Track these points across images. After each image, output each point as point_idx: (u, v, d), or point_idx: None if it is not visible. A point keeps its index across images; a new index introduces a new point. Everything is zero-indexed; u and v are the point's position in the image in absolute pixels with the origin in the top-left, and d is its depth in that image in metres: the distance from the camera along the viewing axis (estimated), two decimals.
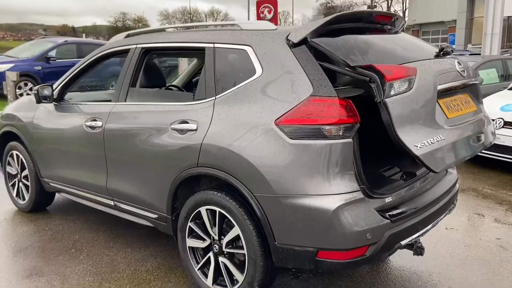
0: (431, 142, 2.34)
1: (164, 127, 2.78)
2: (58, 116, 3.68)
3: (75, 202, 3.77)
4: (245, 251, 2.45)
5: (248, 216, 2.41)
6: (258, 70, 2.48)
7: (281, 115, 2.29)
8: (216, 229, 2.60)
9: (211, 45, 2.75)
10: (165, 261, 3.26)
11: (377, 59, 2.46)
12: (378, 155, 2.89)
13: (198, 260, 2.76)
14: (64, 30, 65.27)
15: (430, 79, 2.48)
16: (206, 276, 2.71)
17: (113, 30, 59.26)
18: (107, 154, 3.19)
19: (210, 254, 2.66)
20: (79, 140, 3.43)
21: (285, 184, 2.25)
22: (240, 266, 2.54)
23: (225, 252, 2.59)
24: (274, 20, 12.90)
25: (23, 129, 3.95)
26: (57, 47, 12.29)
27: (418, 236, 2.52)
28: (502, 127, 5.55)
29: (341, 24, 2.55)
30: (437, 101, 2.52)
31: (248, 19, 20.77)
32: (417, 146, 2.25)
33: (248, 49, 2.56)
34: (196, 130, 2.60)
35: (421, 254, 2.56)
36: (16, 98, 8.82)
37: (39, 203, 4.18)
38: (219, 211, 2.54)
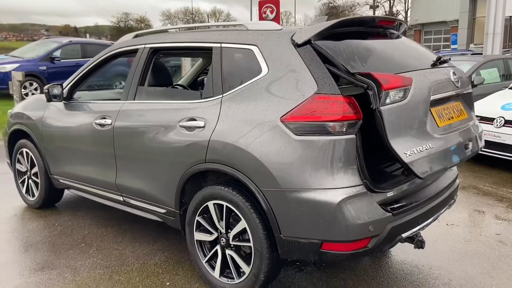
0: (420, 150, 2.42)
1: (172, 125, 2.86)
2: (67, 114, 3.76)
3: (84, 199, 3.85)
4: (251, 244, 2.53)
5: (255, 210, 2.49)
6: (264, 69, 2.56)
7: (287, 112, 2.37)
8: (223, 222, 2.68)
9: (218, 45, 2.83)
10: (173, 255, 3.35)
11: (376, 65, 2.55)
12: (380, 151, 2.96)
13: (206, 253, 2.84)
14: (66, 31, 65.42)
15: (425, 90, 2.56)
16: (213, 268, 2.79)
17: (116, 30, 59.48)
18: (116, 151, 3.28)
19: (217, 247, 2.75)
20: (88, 137, 3.51)
21: (290, 179, 2.33)
22: (247, 259, 2.62)
23: (232, 245, 2.67)
24: (276, 20, 12.94)
25: (33, 127, 4.04)
26: (62, 47, 12.39)
27: (419, 229, 2.60)
28: (503, 125, 5.62)
29: (344, 28, 2.63)
30: (429, 110, 2.60)
31: (251, 19, 20.84)
32: (406, 154, 2.34)
33: (254, 49, 2.64)
34: (203, 127, 2.68)
35: (422, 247, 2.63)
36: (22, 97, 8.93)
37: (49, 200, 4.28)
38: (226, 205, 2.62)
